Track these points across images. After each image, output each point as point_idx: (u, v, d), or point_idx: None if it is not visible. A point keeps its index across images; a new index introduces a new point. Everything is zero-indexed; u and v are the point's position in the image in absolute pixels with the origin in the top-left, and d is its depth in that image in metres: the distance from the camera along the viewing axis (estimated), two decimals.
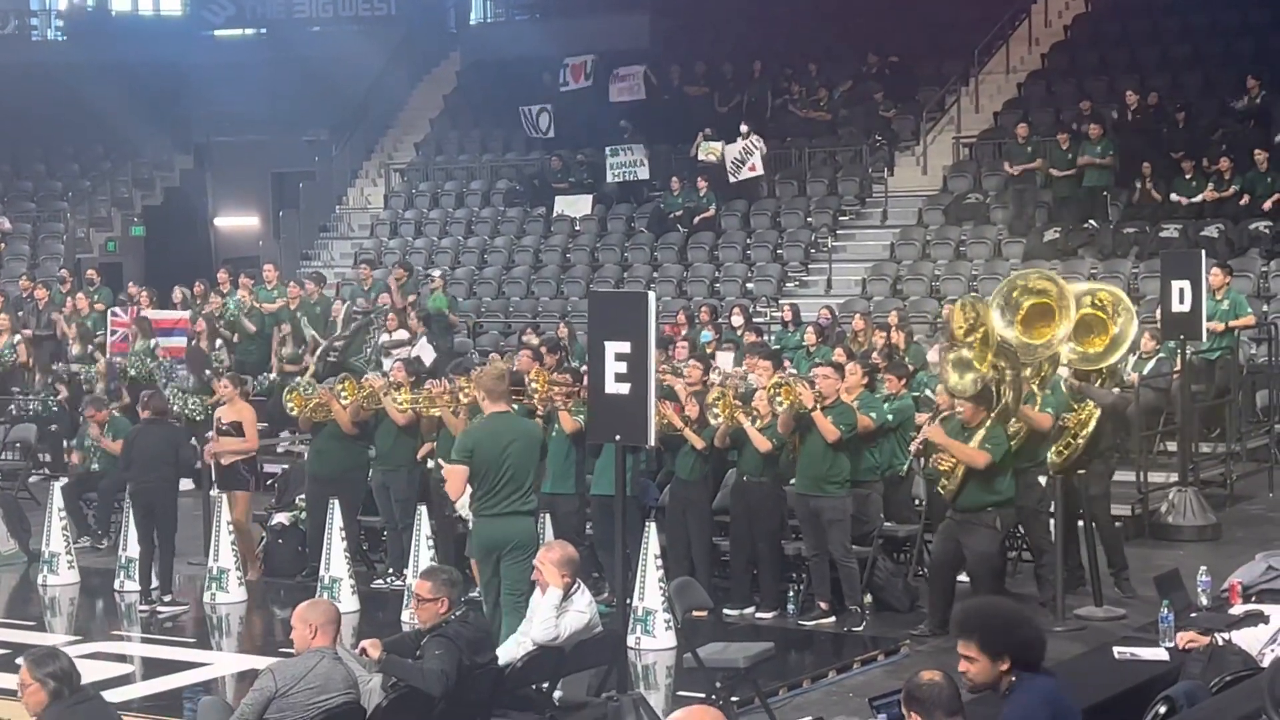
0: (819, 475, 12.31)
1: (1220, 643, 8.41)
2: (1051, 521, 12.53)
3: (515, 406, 11.77)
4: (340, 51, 31.30)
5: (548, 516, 12.62)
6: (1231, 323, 17.50)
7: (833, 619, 12.45)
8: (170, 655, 12.31)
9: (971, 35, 26.29)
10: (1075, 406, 12.27)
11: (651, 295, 9.95)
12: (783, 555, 12.99)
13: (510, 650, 9.17)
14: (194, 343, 20.72)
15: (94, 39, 32.97)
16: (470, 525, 11.18)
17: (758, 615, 12.72)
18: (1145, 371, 16.55)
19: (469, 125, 30.80)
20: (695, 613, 11.12)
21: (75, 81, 30.00)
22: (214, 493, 14.33)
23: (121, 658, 12.40)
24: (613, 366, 9.54)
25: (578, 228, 26.68)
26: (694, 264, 24.61)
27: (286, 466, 16.79)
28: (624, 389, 9.50)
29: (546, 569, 9.18)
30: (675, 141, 26.66)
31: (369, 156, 31.13)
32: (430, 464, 13.88)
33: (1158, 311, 16.15)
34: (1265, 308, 19.56)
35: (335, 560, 13.32)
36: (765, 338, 19.34)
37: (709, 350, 18.27)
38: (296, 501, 14.86)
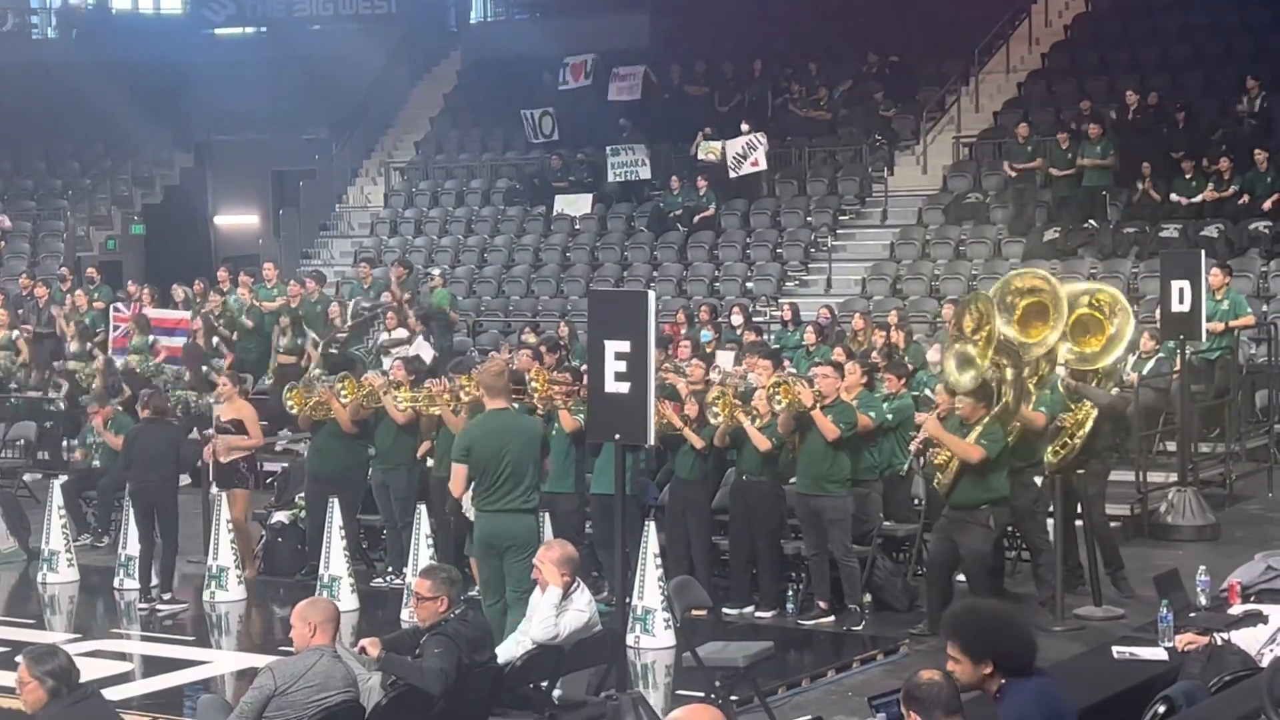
0: (820, 475, 12.31)
1: (1219, 642, 8.41)
2: (1049, 521, 12.53)
3: (516, 405, 11.78)
4: (340, 50, 31.30)
5: (547, 515, 12.61)
6: (1231, 323, 17.51)
7: (832, 618, 12.46)
8: (170, 653, 12.31)
9: (972, 35, 26.30)
10: (1072, 406, 12.27)
11: (651, 294, 9.95)
12: (782, 554, 12.99)
13: (509, 649, 9.18)
14: (191, 340, 20.72)
15: (94, 37, 32.98)
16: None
17: (757, 614, 12.72)
18: (1145, 371, 16.54)
19: (469, 124, 30.80)
20: (694, 612, 11.14)
21: (75, 80, 30.00)
22: (214, 491, 14.33)
23: (121, 656, 12.40)
24: (612, 365, 9.55)
25: (577, 227, 26.69)
26: (694, 263, 24.61)
27: (286, 465, 16.79)
28: (623, 388, 9.51)
29: (546, 568, 9.19)
30: (675, 141, 26.67)
31: (369, 155, 31.14)
32: (429, 463, 13.90)
33: (1157, 311, 16.17)
34: (1265, 308, 19.57)
35: (335, 559, 13.32)
36: (765, 337, 19.35)
37: (709, 349, 18.28)
38: (296, 500, 14.87)
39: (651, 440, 10.13)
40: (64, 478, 16.03)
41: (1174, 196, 21.78)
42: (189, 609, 13.65)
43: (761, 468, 12.65)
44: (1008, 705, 6.12)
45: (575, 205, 26.89)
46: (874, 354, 16.51)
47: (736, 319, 20.13)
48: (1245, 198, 21.25)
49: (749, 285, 23.76)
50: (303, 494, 14.64)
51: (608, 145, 26.60)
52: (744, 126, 25.13)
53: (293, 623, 8.05)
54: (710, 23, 29.73)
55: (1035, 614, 11.97)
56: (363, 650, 8.37)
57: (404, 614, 12.36)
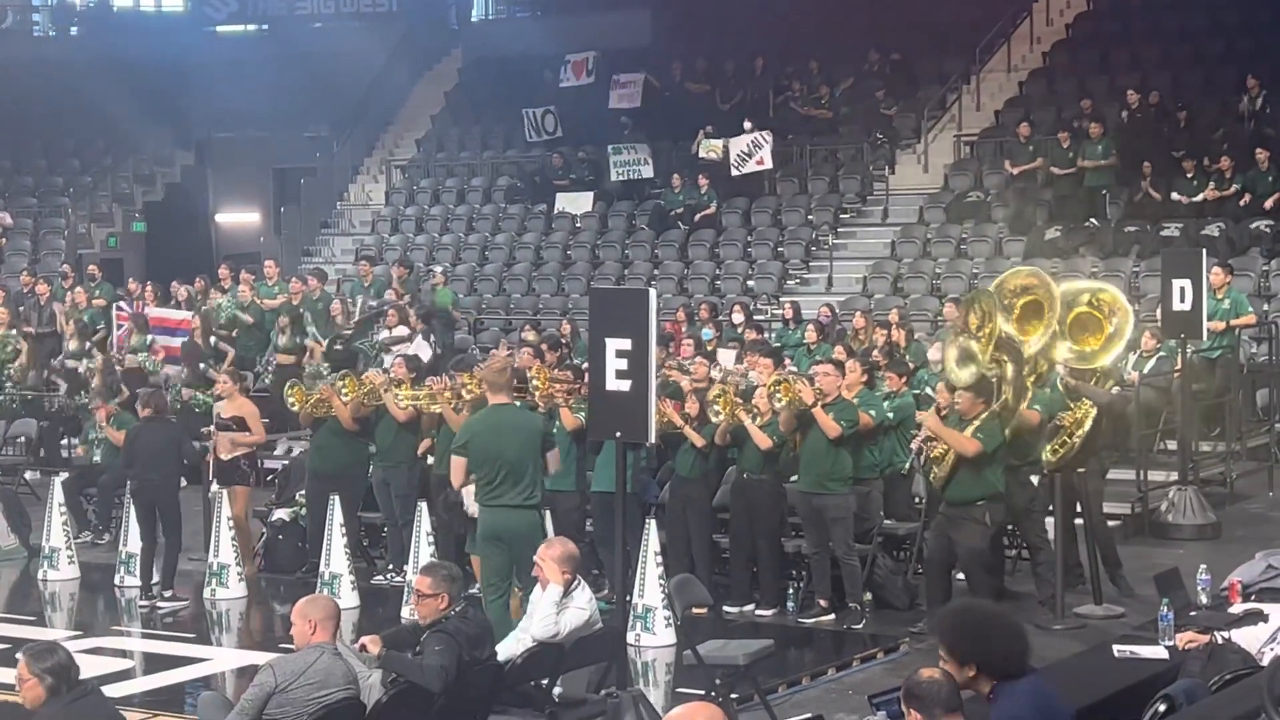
0: (822, 473, 12.31)
1: (1220, 641, 8.40)
2: (1048, 520, 12.52)
3: (518, 403, 11.79)
4: (342, 48, 31.31)
5: (548, 513, 12.61)
6: (1232, 321, 17.52)
7: (832, 616, 12.46)
8: (170, 650, 12.32)
9: (973, 33, 26.28)
10: (1072, 405, 12.27)
11: (652, 292, 9.96)
12: (783, 553, 12.99)
13: (510, 646, 9.18)
14: (189, 339, 20.71)
15: (95, 35, 33.01)
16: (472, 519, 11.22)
17: (757, 612, 12.73)
18: (1146, 370, 16.55)
19: (470, 122, 30.79)
20: (695, 610, 11.15)
21: (76, 77, 30.01)
22: (214, 488, 14.33)
23: (122, 653, 12.43)
24: (613, 363, 9.56)
25: (579, 225, 26.68)
26: (695, 261, 24.61)
27: (286, 462, 16.79)
28: (625, 386, 9.52)
29: (547, 565, 9.19)
30: (676, 138, 26.66)
31: (370, 153, 31.13)
32: (430, 460, 13.90)
33: (1158, 310, 16.16)
34: (1266, 307, 19.56)
35: (335, 556, 13.34)
36: (766, 335, 19.34)
37: (710, 348, 18.27)
38: (297, 497, 14.88)
39: (652, 438, 10.14)
40: (64, 474, 16.02)
41: (1175, 195, 21.77)
42: (189, 606, 13.65)
43: (762, 466, 12.66)
44: (999, 708, 6.09)
45: (576, 203, 26.88)
46: (875, 352, 16.50)
47: (737, 317, 20.12)
48: (1246, 197, 21.24)
49: (750, 283, 23.76)
50: (303, 491, 14.64)
51: (609, 144, 26.59)
52: (747, 124, 25.10)
53: (293, 620, 8.04)
54: (712, 20, 29.72)
55: (1035, 612, 11.99)
56: (363, 648, 8.37)
57: (404, 611, 12.35)
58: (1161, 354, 16.67)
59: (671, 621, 11.58)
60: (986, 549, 11.83)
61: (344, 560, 13.32)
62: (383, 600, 13.47)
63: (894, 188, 24.82)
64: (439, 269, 24.40)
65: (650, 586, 11.80)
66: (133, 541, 14.04)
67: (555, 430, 12.92)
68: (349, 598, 13.07)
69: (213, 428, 14.75)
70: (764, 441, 12.48)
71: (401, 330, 20.48)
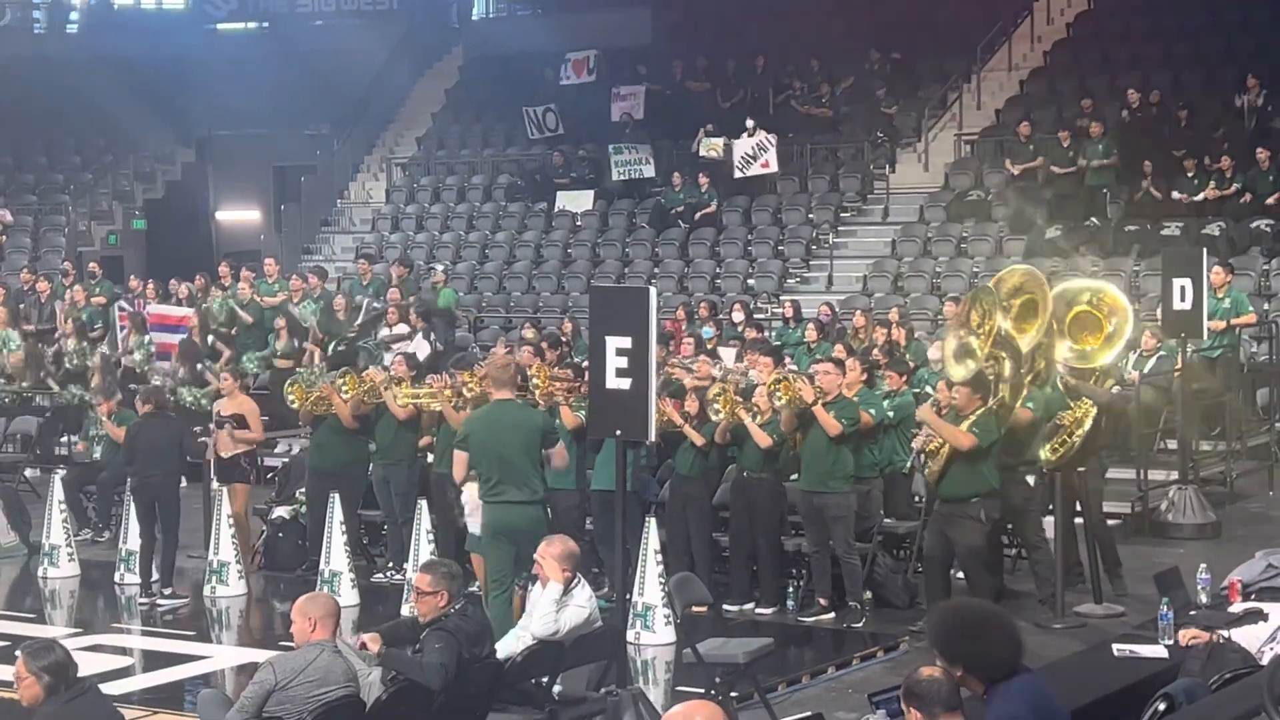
0: (823, 471, 12.30)
1: (1220, 640, 8.40)
2: (1045, 520, 12.52)
3: (520, 400, 11.79)
4: (342, 45, 31.32)
5: (548, 511, 12.62)
6: (1233, 321, 17.52)
7: (832, 615, 12.46)
8: (170, 648, 12.31)
9: (974, 32, 26.30)
10: (1071, 404, 12.26)
11: (653, 291, 9.97)
12: (783, 551, 12.99)
13: (510, 644, 9.18)
14: (187, 337, 20.69)
15: (96, 32, 33.00)
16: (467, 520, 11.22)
17: (757, 611, 12.73)
18: (1146, 369, 16.55)
19: (471, 120, 30.79)
20: (695, 608, 11.16)
21: (77, 74, 30.02)
22: (214, 486, 14.33)
23: (121, 650, 12.42)
24: (614, 362, 9.56)
25: (579, 223, 26.68)
26: (695, 260, 24.60)
27: (287, 460, 16.80)
28: (625, 384, 9.52)
29: (547, 563, 9.19)
30: (677, 137, 26.66)
31: (370, 151, 31.13)
32: (430, 458, 13.90)
33: (1159, 310, 16.16)
34: (1266, 306, 19.56)
35: (335, 554, 13.33)
36: (766, 334, 19.34)
37: (710, 346, 18.27)
38: (297, 495, 14.88)
39: (652, 436, 10.14)
40: (63, 471, 16.01)
41: (1175, 194, 21.76)
42: (189, 604, 13.66)
43: (762, 464, 12.66)
44: (994, 708, 6.07)
45: (577, 201, 26.87)
46: (875, 351, 16.50)
47: (738, 316, 20.11)
48: (1247, 196, 21.24)
49: (750, 282, 23.75)
50: (303, 489, 14.64)
51: (610, 144, 26.58)
52: (749, 124, 25.08)
53: (293, 618, 8.04)
54: (713, 18, 29.74)
55: (1035, 611, 11.99)
56: (363, 645, 8.37)
57: (404, 609, 12.34)
58: (1162, 353, 16.67)
59: (671, 620, 11.58)
60: (984, 547, 11.82)
61: (344, 558, 13.32)
62: (382, 598, 13.46)
63: (894, 187, 24.82)
64: (440, 268, 24.39)
65: (650, 585, 11.79)
66: (133, 539, 14.04)
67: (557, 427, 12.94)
68: (349, 595, 13.07)
69: (213, 425, 14.73)
70: (764, 440, 12.48)
71: (401, 328, 20.47)
